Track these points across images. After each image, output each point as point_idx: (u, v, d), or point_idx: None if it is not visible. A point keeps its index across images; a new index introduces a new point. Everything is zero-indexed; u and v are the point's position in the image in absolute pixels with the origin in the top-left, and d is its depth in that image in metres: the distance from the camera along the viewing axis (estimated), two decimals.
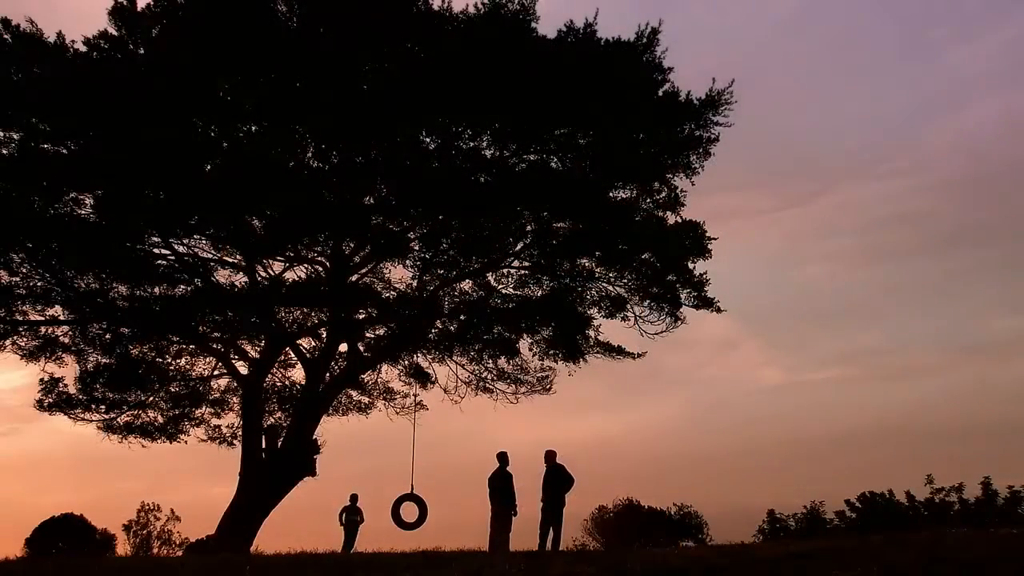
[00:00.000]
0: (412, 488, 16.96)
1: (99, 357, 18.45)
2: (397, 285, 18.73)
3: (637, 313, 18.61)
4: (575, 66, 15.97)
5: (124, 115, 14.96)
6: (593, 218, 17.41)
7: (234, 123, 16.81)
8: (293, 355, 19.43)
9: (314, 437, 18.44)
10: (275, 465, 17.83)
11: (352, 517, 18.47)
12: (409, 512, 16.81)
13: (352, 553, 15.84)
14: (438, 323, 19.00)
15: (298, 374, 20.13)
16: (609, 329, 18.96)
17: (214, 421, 20.11)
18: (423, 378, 19.96)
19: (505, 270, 18.81)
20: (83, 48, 16.51)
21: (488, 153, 17.37)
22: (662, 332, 18.52)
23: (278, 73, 16.04)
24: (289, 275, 18.30)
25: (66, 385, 18.19)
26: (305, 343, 19.42)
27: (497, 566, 9.29)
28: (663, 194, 18.08)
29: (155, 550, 31.11)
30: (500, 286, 18.86)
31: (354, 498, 18.69)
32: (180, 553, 29.67)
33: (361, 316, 18.88)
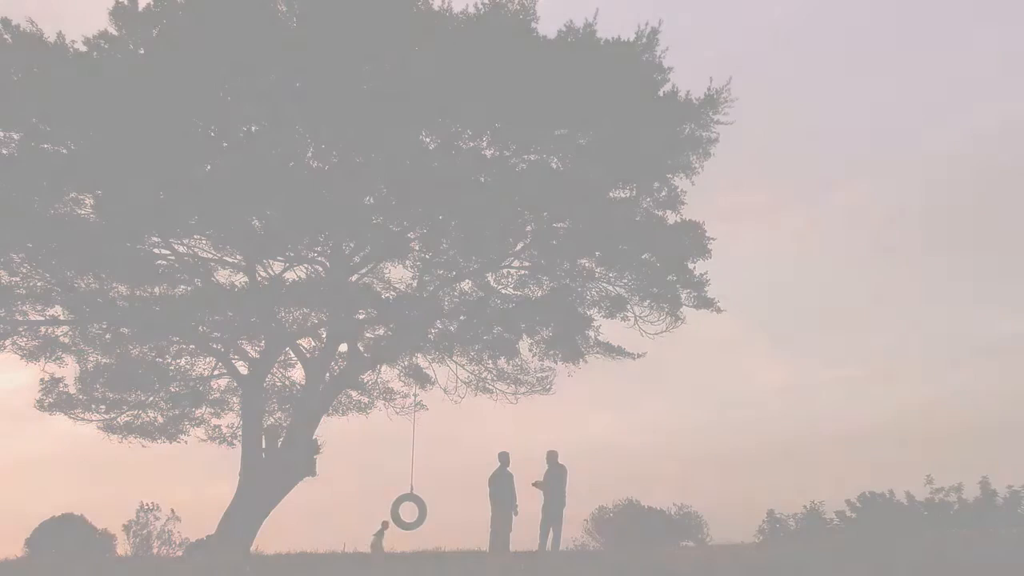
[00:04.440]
0: (411, 488, 16.97)
1: (99, 357, 18.43)
2: (397, 285, 18.73)
3: (637, 313, 18.59)
4: (575, 66, 15.98)
5: (124, 115, 14.94)
6: (593, 218, 17.40)
7: (234, 123, 16.81)
8: (293, 355, 19.42)
9: (314, 437, 18.44)
10: (275, 465, 17.83)
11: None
12: (408, 512, 16.82)
13: (352, 553, 15.86)
14: (438, 323, 18.98)
15: (298, 374, 20.11)
16: (609, 329, 18.90)
17: (214, 421, 20.05)
18: (423, 378, 19.95)
19: (505, 270, 18.81)
20: (83, 48, 16.51)
21: (488, 153, 17.38)
22: (662, 332, 18.50)
23: (278, 73, 16.04)
24: (289, 275, 18.29)
25: (66, 385, 18.16)
26: (305, 343, 19.39)
27: (497, 566, 9.29)
28: (663, 194, 18.11)
29: (155, 550, 31.08)
30: (500, 286, 18.85)
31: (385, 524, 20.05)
32: (180, 553, 29.66)
33: (361, 316, 18.86)
